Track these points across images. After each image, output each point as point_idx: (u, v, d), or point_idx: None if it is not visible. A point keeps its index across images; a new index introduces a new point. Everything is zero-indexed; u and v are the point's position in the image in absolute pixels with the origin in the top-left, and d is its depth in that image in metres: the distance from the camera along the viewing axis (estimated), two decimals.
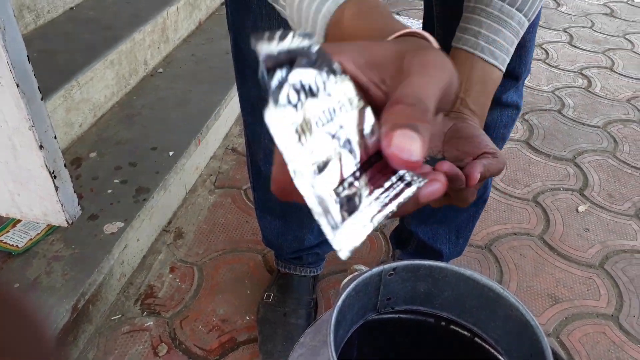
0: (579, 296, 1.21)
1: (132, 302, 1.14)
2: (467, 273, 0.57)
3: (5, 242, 1.07)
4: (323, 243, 1.12)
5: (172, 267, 1.22)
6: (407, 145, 0.27)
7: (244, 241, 1.31)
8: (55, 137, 0.73)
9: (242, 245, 1.30)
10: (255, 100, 0.83)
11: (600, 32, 2.59)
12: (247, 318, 1.12)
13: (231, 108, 1.69)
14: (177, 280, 1.19)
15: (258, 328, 1.06)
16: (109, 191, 1.21)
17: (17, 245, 1.06)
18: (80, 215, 1.12)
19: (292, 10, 0.47)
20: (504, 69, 0.58)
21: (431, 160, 0.53)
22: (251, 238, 1.31)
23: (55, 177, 0.73)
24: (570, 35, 2.54)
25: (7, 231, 1.09)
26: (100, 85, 1.47)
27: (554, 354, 0.54)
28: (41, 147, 0.71)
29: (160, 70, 1.74)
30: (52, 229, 1.10)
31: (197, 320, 1.10)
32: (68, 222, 0.79)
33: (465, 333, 0.65)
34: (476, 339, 0.64)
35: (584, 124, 1.85)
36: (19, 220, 1.11)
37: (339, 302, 0.52)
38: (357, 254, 1.30)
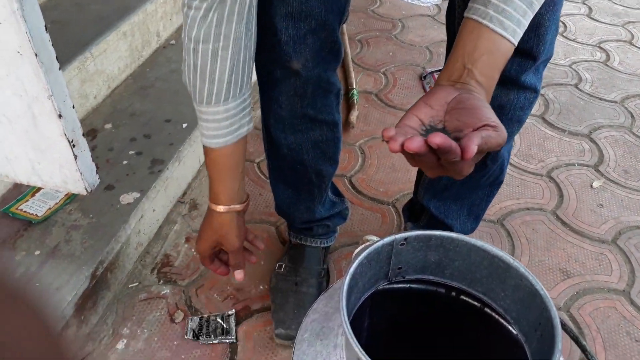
0: (591, 271, 1.21)
1: (148, 270, 1.16)
2: (477, 243, 0.57)
3: (25, 211, 1.09)
4: (333, 216, 1.13)
5: (188, 237, 1.24)
6: None
7: (257, 213, 1.32)
8: (73, 107, 0.74)
9: (255, 217, 1.31)
10: (268, 67, 0.83)
11: (620, 5, 2.52)
12: (261, 287, 1.14)
13: None
14: (193, 250, 1.21)
15: (271, 297, 1.08)
16: (125, 162, 1.23)
17: (36, 214, 1.09)
18: (97, 185, 1.14)
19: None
20: (515, 42, 0.57)
21: (431, 130, 0.53)
22: (264, 210, 1.33)
23: (74, 145, 0.75)
24: (589, 8, 2.48)
25: (27, 200, 1.12)
26: (114, 57, 1.47)
27: (562, 324, 0.55)
28: (60, 116, 0.72)
29: (173, 42, 1.74)
30: (70, 199, 1.13)
31: (213, 289, 1.13)
32: (87, 190, 0.80)
33: (475, 303, 0.66)
34: (486, 309, 0.65)
35: (600, 99, 1.82)
36: (38, 190, 1.14)
37: (351, 270, 0.53)
38: (369, 227, 1.31)
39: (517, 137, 1.62)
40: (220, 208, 0.82)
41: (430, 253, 0.60)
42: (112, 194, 1.14)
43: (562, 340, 0.47)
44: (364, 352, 0.44)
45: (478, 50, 0.56)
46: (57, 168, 0.78)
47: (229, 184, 0.81)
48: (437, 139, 0.46)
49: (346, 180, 1.45)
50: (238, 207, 0.83)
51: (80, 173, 0.77)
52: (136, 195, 1.14)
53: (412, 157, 0.51)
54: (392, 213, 1.35)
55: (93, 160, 1.14)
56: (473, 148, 0.46)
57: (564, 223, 1.33)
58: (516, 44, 0.57)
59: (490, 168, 0.95)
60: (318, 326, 0.60)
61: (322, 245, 1.15)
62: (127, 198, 1.13)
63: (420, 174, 1.10)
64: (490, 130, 0.49)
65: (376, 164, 1.51)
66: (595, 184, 1.46)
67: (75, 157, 0.76)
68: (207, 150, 0.79)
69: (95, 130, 1.35)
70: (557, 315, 0.48)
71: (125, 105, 1.45)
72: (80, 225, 1.07)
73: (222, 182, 0.81)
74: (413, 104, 0.57)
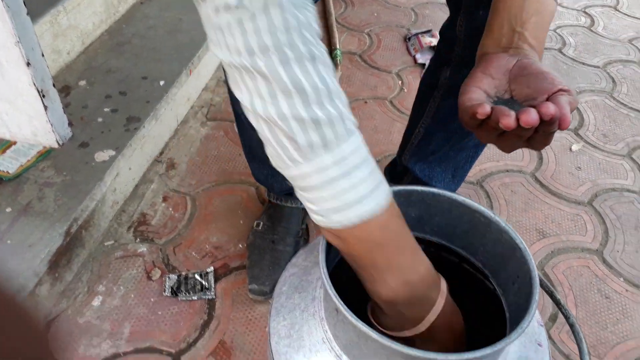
0: (566, 231, 1.23)
1: (125, 229, 1.15)
2: (459, 199, 0.57)
3: None
4: None
5: (165, 197, 1.22)
6: None
7: (236, 173, 1.31)
8: (42, 55, 0.71)
9: (235, 177, 1.30)
10: None
11: None
12: (240, 246, 1.13)
13: None
14: (170, 209, 1.20)
15: (247, 253, 1.08)
16: (100, 120, 1.19)
17: (7, 171, 1.06)
18: (71, 142, 1.11)
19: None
20: (558, 1, 0.55)
21: (498, 101, 0.51)
22: (244, 171, 1.31)
23: (44, 96, 0.72)
24: None
25: None
26: (88, 12, 1.41)
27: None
28: (28, 64, 0.69)
29: None
30: (42, 156, 1.09)
31: (191, 248, 1.12)
32: (59, 143, 0.78)
33: (454, 259, 0.66)
34: (464, 264, 0.66)
35: (583, 64, 1.82)
36: (9, 146, 1.10)
37: None
38: None
39: None
40: (443, 286, 0.50)
41: (411, 208, 0.59)
42: (87, 151, 1.11)
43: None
44: (341, 302, 0.44)
45: (526, 11, 0.53)
46: (26, 119, 0.75)
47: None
48: (552, 108, 0.44)
49: None
50: None
51: (51, 125, 0.74)
52: (111, 153, 1.11)
53: (490, 133, 0.49)
54: None
55: (67, 118, 1.10)
56: (570, 116, 0.45)
57: (542, 185, 1.35)
58: (558, 2, 0.55)
59: None
60: (297, 280, 0.59)
61: (302, 207, 1.14)
62: (102, 156, 1.10)
63: (407, 137, 1.09)
64: (565, 95, 0.47)
65: (358, 126, 1.49)
66: (575, 147, 1.47)
67: (46, 107, 0.73)
68: (378, 222, 0.45)
69: (69, 87, 1.30)
70: (535, 268, 0.48)
71: (100, 61, 1.40)
72: (54, 182, 1.04)
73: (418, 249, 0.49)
74: (468, 75, 0.54)
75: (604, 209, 1.29)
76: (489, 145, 1.43)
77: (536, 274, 0.48)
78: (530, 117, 0.44)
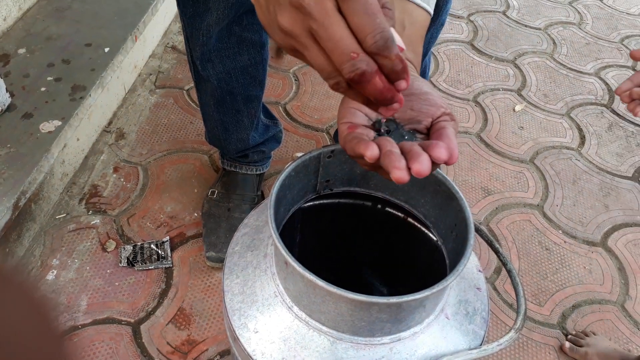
0: (510, 188, 1.29)
1: (76, 201, 1.13)
2: None
3: None
4: (268, 141, 1.13)
5: (116, 167, 1.21)
6: None
7: (189, 141, 1.30)
8: None
9: (187, 145, 1.29)
10: None
11: None
12: (195, 215, 1.14)
13: (169, 2, 1.60)
14: (122, 179, 1.18)
15: (202, 222, 1.09)
16: (43, 89, 1.15)
17: None
18: (14, 113, 1.08)
19: None
20: (431, 11, 0.53)
21: (377, 123, 0.47)
22: (196, 139, 1.30)
23: None
24: None
25: None
26: None
27: (476, 229, 0.59)
28: None
29: None
30: None
31: (145, 218, 1.12)
32: None
33: (399, 214, 0.69)
34: (409, 219, 0.69)
35: (526, 26, 1.88)
36: None
37: (279, 181, 0.54)
38: (303, 151, 1.32)
39: (446, 64, 1.65)
40: None
41: (356, 165, 0.62)
42: (31, 122, 1.08)
43: (478, 247, 0.50)
44: (289, 253, 0.46)
45: (399, 24, 0.50)
46: None
47: None
48: (444, 153, 0.41)
49: (280, 108, 1.43)
50: None
51: None
52: (57, 123, 1.08)
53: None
54: (327, 139, 1.37)
55: (7, 88, 1.06)
56: (457, 151, 0.43)
57: (487, 145, 1.40)
58: (432, 13, 0.54)
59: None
60: (249, 239, 0.61)
61: (257, 173, 1.15)
62: (47, 126, 1.07)
63: None
64: (448, 118, 0.46)
65: (310, 91, 1.50)
66: (518, 107, 1.53)
67: None
68: None
69: (8, 55, 1.24)
70: (470, 215, 0.52)
71: (40, 28, 1.34)
72: None
73: None
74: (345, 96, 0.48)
75: (544, 166, 1.36)
76: None
77: (471, 220, 0.52)
78: (423, 168, 0.40)
